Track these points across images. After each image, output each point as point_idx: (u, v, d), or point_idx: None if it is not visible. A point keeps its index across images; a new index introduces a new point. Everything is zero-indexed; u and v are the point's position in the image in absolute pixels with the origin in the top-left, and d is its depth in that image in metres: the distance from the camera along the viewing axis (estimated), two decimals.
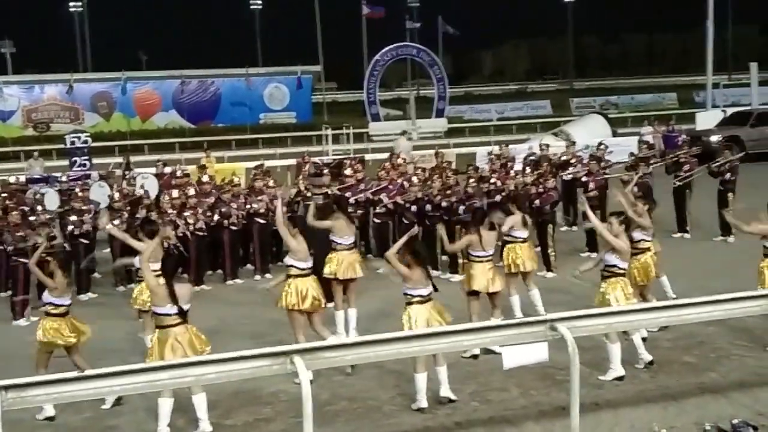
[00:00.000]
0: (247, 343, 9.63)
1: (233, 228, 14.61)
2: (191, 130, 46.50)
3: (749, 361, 9.39)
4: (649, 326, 9.11)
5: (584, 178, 16.55)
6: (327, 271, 10.62)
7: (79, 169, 25.58)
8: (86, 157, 26.95)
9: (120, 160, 25.30)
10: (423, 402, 8.24)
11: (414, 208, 14.58)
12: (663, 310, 7.45)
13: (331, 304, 11.05)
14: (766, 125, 29.70)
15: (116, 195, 15.75)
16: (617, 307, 8.18)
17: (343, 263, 10.60)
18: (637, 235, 10.22)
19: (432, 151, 23.69)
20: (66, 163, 27.25)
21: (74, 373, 6.06)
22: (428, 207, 14.46)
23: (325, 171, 16.24)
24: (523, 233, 11.36)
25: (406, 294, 8.40)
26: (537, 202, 14.39)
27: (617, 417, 7.88)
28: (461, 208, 13.93)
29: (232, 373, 6.31)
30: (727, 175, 16.11)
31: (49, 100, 47.33)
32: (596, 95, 59.25)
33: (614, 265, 9.01)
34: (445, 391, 8.41)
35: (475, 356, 9.60)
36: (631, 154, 18.90)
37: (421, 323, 8.11)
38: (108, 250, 15.04)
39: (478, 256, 10.02)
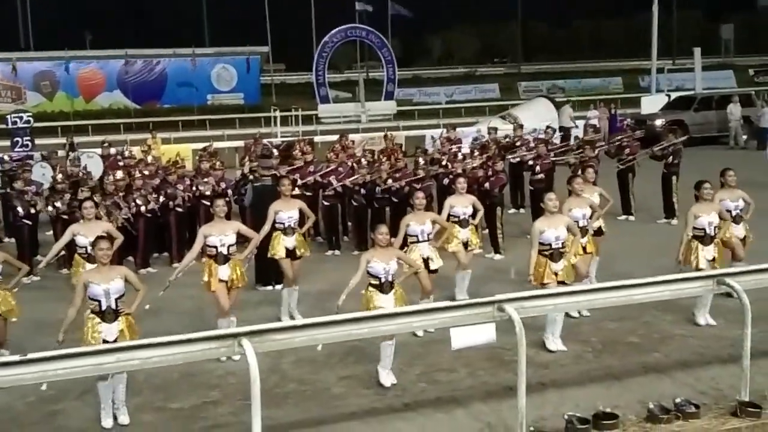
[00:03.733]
0: (189, 324, 9.59)
1: (179, 210, 14.46)
2: (136, 110, 45.86)
3: (691, 341, 9.59)
4: (595, 306, 9.22)
5: (531, 162, 16.71)
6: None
7: (21, 149, 25.06)
8: (28, 138, 26.39)
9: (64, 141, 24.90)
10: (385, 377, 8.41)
11: (363, 190, 14.59)
12: (609, 291, 7.55)
13: (279, 286, 11.08)
14: (709, 109, 30.27)
15: (59, 176, 15.48)
16: (564, 288, 8.28)
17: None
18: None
19: (381, 134, 23.70)
20: (7, 143, 26.66)
21: (17, 357, 5.93)
22: (377, 189, 14.48)
23: (275, 153, 16.16)
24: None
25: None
26: (486, 185, 14.46)
27: (563, 396, 7.99)
28: (418, 192, 13.97)
29: (178, 356, 6.23)
30: (671, 159, 16.37)
31: None
32: (543, 79, 59.77)
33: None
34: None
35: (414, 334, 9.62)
36: (576, 137, 19.15)
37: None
38: (51, 232, 14.79)
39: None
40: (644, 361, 8.95)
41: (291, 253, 10.82)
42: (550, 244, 9.24)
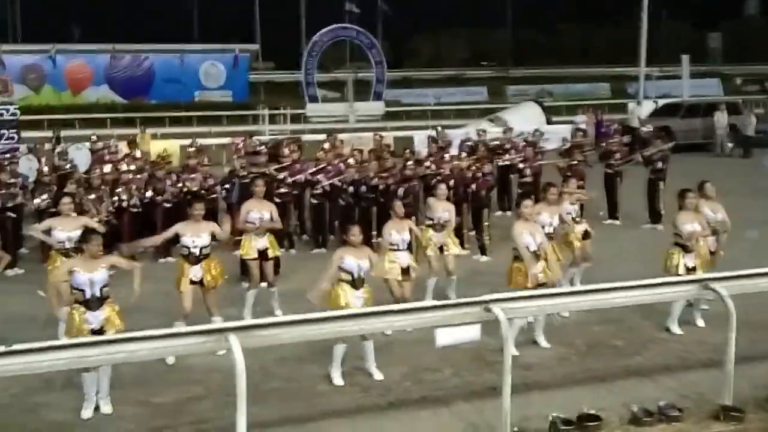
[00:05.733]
0: (167, 322, 9.52)
1: (166, 205, 14.42)
2: (124, 105, 45.64)
3: (674, 345, 9.65)
4: (581, 308, 9.27)
5: (520, 165, 16.77)
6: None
7: (6, 142, 24.89)
8: (14, 130, 26.21)
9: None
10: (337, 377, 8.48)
11: (351, 189, 14.60)
12: (594, 293, 7.58)
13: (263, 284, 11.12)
14: (696, 117, 30.43)
15: (45, 169, 15.43)
16: (550, 290, 8.31)
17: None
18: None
19: (370, 134, 23.69)
20: None
21: (1, 348, 5.90)
22: (364, 188, 14.48)
23: (263, 150, 16.16)
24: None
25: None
26: (473, 186, 14.50)
27: (547, 398, 8.02)
28: (400, 190, 13.99)
29: (165, 350, 6.23)
30: (659, 164, 16.47)
31: None
32: (532, 83, 59.89)
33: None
34: (371, 368, 8.62)
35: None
36: (564, 139, 19.22)
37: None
38: (37, 224, 14.70)
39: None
40: (628, 365, 9.00)
41: (262, 254, 10.82)
42: (527, 247, 9.30)
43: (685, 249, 9.99)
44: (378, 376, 8.60)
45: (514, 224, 9.56)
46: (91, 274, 7.63)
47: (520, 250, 9.33)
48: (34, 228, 10.58)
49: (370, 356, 8.65)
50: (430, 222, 11.28)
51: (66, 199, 10.28)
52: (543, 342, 9.59)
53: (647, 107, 33.45)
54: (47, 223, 10.24)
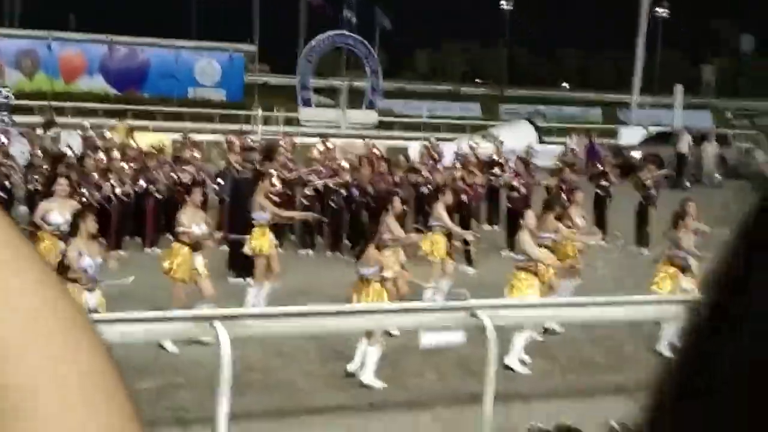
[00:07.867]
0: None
1: (158, 196, 14.38)
2: (116, 96, 45.47)
3: (656, 364, 9.66)
4: (567, 321, 9.28)
5: (510, 180, 16.80)
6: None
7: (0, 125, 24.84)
8: (5, 113, 26.16)
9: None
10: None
11: (343, 192, 14.61)
12: (581, 307, 7.62)
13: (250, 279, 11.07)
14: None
15: (37, 152, 15.37)
16: (538, 300, 8.35)
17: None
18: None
19: (361, 141, 23.72)
20: None
21: None
22: (356, 192, 14.49)
23: (257, 147, 16.22)
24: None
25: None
26: (464, 197, 14.54)
27: (528, 408, 8.03)
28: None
29: (154, 333, 6.22)
30: (651, 190, 16.58)
31: None
32: (525, 103, 60.12)
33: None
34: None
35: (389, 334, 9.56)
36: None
37: None
38: (25, 207, 14.65)
39: None
40: (609, 381, 9.01)
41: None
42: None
43: (683, 270, 10.02)
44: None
45: (522, 235, 9.55)
46: (94, 256, 7.73)
47: (530, 252, 9.33)
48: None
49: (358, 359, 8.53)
50: (440, 229, 11.34)
51: (62, 181, 10.26)
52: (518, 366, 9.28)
53: (638, 134, 33.64)
54: (44, 207, 10.21)
